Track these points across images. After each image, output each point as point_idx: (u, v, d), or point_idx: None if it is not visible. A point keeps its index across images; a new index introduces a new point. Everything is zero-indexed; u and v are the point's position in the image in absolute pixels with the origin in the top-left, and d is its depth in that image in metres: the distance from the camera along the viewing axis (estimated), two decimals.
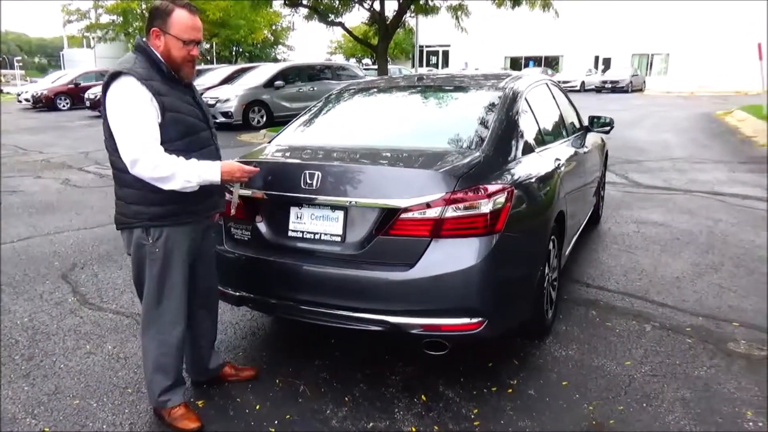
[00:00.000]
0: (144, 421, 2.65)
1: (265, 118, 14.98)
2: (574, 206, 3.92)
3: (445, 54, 44.71)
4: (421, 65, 42.01)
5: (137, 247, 2.46)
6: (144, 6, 33.00)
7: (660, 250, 4.97)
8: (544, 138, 3.72)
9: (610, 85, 32.15)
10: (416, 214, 2.59)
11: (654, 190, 7.34)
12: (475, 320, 2.62)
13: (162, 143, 2.33)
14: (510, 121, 3.27)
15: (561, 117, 4.40)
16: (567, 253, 3.97)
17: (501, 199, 2.67)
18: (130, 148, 2.27)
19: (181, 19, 2.37)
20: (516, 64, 42.38)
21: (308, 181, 2.77)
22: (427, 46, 43.61)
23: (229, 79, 16.65)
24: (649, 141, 11.74)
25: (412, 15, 18.05)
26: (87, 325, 3.65)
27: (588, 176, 4.58)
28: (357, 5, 16.43)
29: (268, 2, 17.49)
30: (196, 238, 2.59)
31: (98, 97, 18.48)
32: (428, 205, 2.57)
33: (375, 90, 4.16)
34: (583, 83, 33.60)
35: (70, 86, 23.34)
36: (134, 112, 2.27)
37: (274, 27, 45.43)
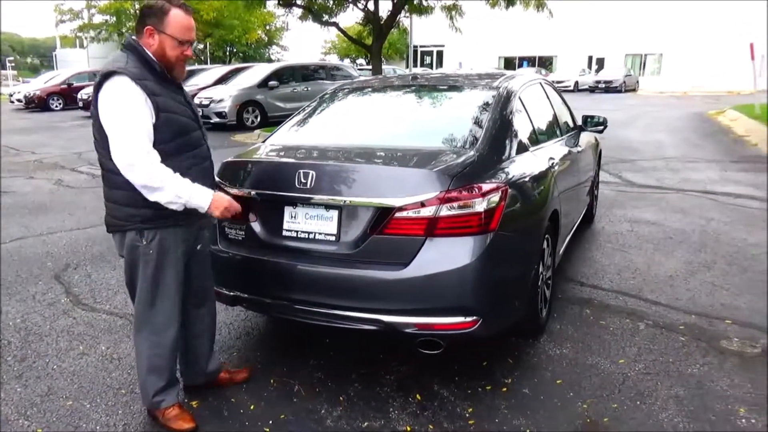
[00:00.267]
0: (138, 422, 2.64)
1: (259, 119, 14.95)
2: (568, 205, 3.93)
3: (440, 54, 44.76)
4: (415, 65, 42.02)
5: (131, 249, 2.44)
6: (137, 6, 32.90)
7: (653, 248, 4.99)
8: (538, 137, 3.73)
9: (603, 85, 32.24)
10: (411, 213, 2.59)
11: (647, 189, 7.37)
12: (469, 319, 2.62)
13: (155, 144, 2.31)
14: (504, 121, 3.27)
15: (555, 116, 4.41)
16: (561, 251, 3.98)
17: (495, 198, 2.68)
18: (126, 152, 2.25)
19: (177, 18, 2.36)
20: (510, 64, 42.46)
21: (302, 180, 2.76)
22: (421, 46, 43.61)
23: (222, 80, 16.62)
24: (643, 140, 11.79)
25: (407, 15, 18.06)
26: (80, 325, 3.63)
27: (582, 175, 4.60)
28: (351, 5, 16.43)
29: (262, 2, 17.48)
30: (190, 238, 2.58)
31: (91, 97, 18.31)
32: (422, 204, 2.57)
33: (369, 89, 4.16)
34: (576, 83, 33.69)
35: (62, 86, 23.25)
36: (129, 114, 2.25)
37: (268, 27, 45.40)
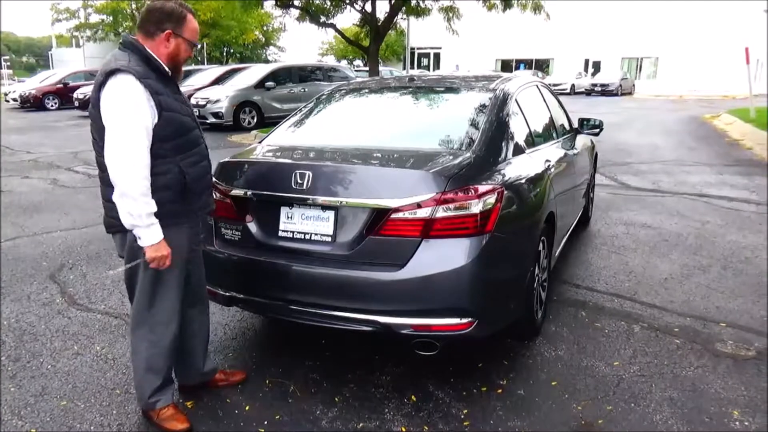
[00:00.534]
0: (132, 422, 2.64)
1: (256, 119, 14.93)
2: (563, 207, 3.94)
3: (437, 56, 44.83)
4: (412, 67, 42.10)
5: (131, 249, 2.44)
6: (134, 6, 32.86)
7: (649, 251, 5.00)
8: (534, 139, 3.74)
9: (599, 89, 32.37)
10: (407, 215, 2.59)
11: (643, 192, 7.39)
12: (464, 320, 2.63)
13: (157, 142, 2.32)
14: (500, 123, 3.28)
15: (551, 119, 4.42)
16: (557, 254, 3.99)
17: (491, 199, 2.68)
18: (119, 154, 2.24)
19: (192, 23, 2.46)
20: (507, 66, 42.55)
21: (299, 180, 2.76)
22: (418, 48, 43.69)
23: (219, 80, 16.59)
24: (638, 143, 11.82)
25: (404, 17, 18.08)
26: (75, 325, 3.62)
27: (578, 178, 4.61)
28: (348, 6, 16.44)
29: (259, 3, 17.46)
30: (189, 238, 2.57)
31: (87, 96, 18.40)
32: (419, 206, 2.58)
33: (366, 91, 4.17)
34: (573, 86, 33.81)
35: (58, 86, 23.14)
36: (131, 115, 2.24)
37: (265, 28, 45.37)
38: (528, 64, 42.24)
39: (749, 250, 4.99)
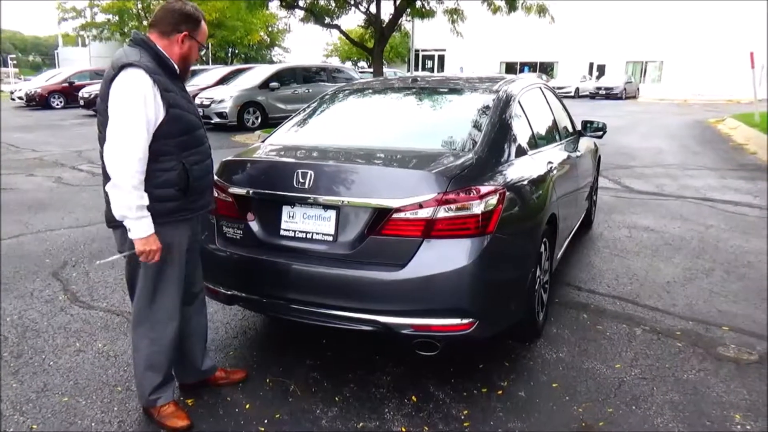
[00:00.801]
0: (133, 419, 2.64)
1: (260, 120, 14.97)
2: (566, 210, 3.94)
3: (441, 58, 44.83)
4: (416, 69, 42.09)
5: (132, 244, 2.44)
6: (140, 6, 32.97)
7: (651, 254, 5.00)
8: (537, 141, 3.73)
9: (604, 92, 32.32)
10: (408, 215, 2.59)
11: (646, 196, 7.38)
12: (465, 321, 2.63)
13: (162, 138, 2.34)
14: (503, 124, 3.28)
15: (554, 121, 4.42)
16: (559, 256, 3.99)
17: (493, 200, 2.68)
18: (120, 147, 2.25)
19: (204, 27, 2.55)
20: (511, 69, 42.50)
21: (300, 180, 2.77)
22: (423, 50, 43.69)
23: (224, 80, 16.63)
24: (642, 147, 11.80)
25: (409, 19, 18.10)
26: (77, 322, 3.63)
27: (580, 180, 4.60)
28: (353, 8, 16.46)
29: (264, 4, 17.49)
30: (190, 234, 2.58)
31: (92, 96, 18.45)
32: (420, 206, 2.58)
33: (369, 91, 4.17)
34: (577, 89, 33.78)
35: (64, 85, 23.22)
36: (138, 109, 2.26)
37: (270, 29, 45.47)
38: (532, 66, 42.20)
39: (752, 254, 4.97)
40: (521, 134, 3.47)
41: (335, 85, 12.80)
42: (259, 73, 16.11)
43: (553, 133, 4.30)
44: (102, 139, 2.38)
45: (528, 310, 3.13)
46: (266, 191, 2.90)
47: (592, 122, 5.17)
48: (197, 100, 14.51)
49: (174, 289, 2.53)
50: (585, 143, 5.09)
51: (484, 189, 2.68)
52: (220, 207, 2.95)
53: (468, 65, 38.31)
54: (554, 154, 3.91)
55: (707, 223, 5.99)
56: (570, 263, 4.69)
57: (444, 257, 2.59)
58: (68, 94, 22.71)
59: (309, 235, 2.81)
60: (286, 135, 3.61)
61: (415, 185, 2.62)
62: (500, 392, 2.86)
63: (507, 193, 2.79)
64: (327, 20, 16.77)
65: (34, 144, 12.29)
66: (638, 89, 35.35)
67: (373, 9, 15.88)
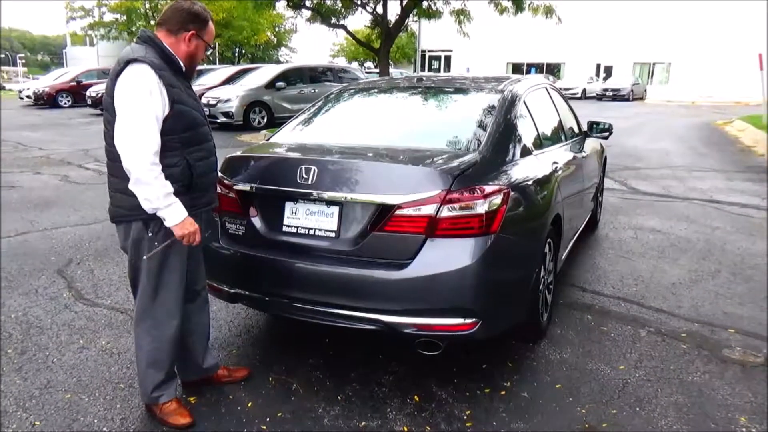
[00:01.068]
0: (135, 416, 2.65)
1: (265, 119, 14.99)
2: (571, 210, 3.92)
3: (447, 59, 44.79)
4: (423, 69, 42.09)
5: (136, 241, 2.45)
6: (148, 5, 33.12)
7: (657, 256, 4.97)
8: (542, 141, 3.72)
9: (611, 93, 32.23)
10: (411, 211, 2.59)
11: (652, 197, 7.34)
12: (468, 321, 2.62)
13: (167, 134, 2.35)
14: (508, 124, 3.27)
15: (560, 121, 4.40)
16: (564, 257, 3.97)
17: (497, 200, 2.67)
18: (132, 139, 2.27)
19: (212, 27, 2.57)
20: (518, 70, 42.41)
21: (304, 175, 2.76)
22: (429, 51, 43.68)
23: (230, 80, 16.67)
24: (649, 149, 11.75)
25: (415, 19, 18.10)
26: (81, 320, 3.64)
27: (586, 181, 4.58)
28: (360, 8, 16.47)
29: (271, 4, 17.54)
30: None
31: (99, 95, 18.53)
32: (424, 202, 2.57)
33: (374, 90, 4.17)
34: (584, 91, 33.68)
35: (71, 84, 23.35)
36: (145, 102, 2.28)
37: (277, 29, 45.58)
38: (539, 68, 42.11)
39: (759, 256, 4.94)
40: (526, 134, 3.46)
41: (341, 85, 12.84)
42: (265, 72, 16.13)
43: (559, 134, 4.28)
44: (109, 136, 2.39)
45: (532, 310, 3.12)
46: (269, 187, 2.90)
47: (598, 123, 5.15)
48: (203, 100, 14.55)
49: (176, 286, 2.54)
50: (591, 144, 5.07)
51: (488, 188, 2.67)
52: (223, 203, 2.96)
53: (474, 66, 38.27)
54: (559, 154, 3.90)
55: (713, 225, 5.95)
56: (575, 264, 4.67)
57: (447, 256, 2.58)
58: (76, 93, 22.84)
59: (311, 232, 2.81)
60: (290, 134, 3.61)
61: (419, 182, 2.62)
62: (503, 393, 2.85)
63: (511, 193, 2.78)
64: (333, 20, 16.81)
65: (42, 142, 12.35)
66: (645, 91, 35.22)
67: (379, 9, 15.90)
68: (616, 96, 31.90)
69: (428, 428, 2.57)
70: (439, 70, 45.01)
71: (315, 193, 2.76)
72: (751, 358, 3.21)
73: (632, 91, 32.43)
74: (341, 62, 46.23)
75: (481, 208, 2.61)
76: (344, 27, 17.14)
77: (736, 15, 33.22)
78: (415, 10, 15.83)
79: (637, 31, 37.03)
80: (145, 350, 2.57)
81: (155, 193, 2.29)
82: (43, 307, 3.83)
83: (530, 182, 3.11)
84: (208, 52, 2.63)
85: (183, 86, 2.46)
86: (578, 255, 4.87)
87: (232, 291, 3.00)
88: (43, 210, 6.45)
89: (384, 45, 15.91)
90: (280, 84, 15.18)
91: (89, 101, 20.13)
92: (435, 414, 2.68)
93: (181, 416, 2.57)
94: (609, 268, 4.66)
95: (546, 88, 4.41)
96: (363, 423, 2.61)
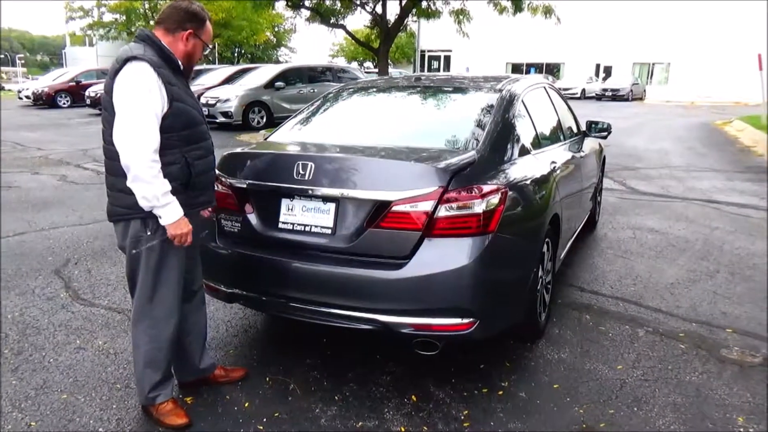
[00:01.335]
0: (131, 417, 2.63)
1: (265, 119, 14.98)
2: (569, 210, 3.91)
3: (447, 59, 44.79)
4: (422, 69, 42.09)
5: (134, 239, 2.44)
6: (147, 6, 33.12)
7: (655, 256, 4.96)
8: (540, 141, 3.71)
9: (610, 93, 32.26)
10: (408, 207, 2.58)
11: (651, 197, 7.34)
12: (466, 321, 2.61)
13: (166, 132, 2.34)
14: (506, 123, 3.26)
15: (558, 121, 4.39)
16: (562, 256, 3.96)
17: (495, 199, 2.66)
18: (131, 137, 2.26)
19: (209, 28, 2.57)
20: (517, 70, 42.40)
21: (301, 171, 2.75)
22: (428, 51, 43.68)
23: (229, 80, 16.66)
24: (648, 149, 11.75)
25: (415, 19, 18.11)
26: (78, 320, 3.63)
27: (585, 181, 4.58)
28: (359, 8, 16.47)
29: (270, 3, 17.54)
30: (193, 229, 2.57)
31: (98, 95, 18.52)
32: (420, 199, 2.56)
33: (373, 90, 4.16)
34: (583, 91, 33.70)
35: (70, 84, 23.34)
36: (144, 99, 2.27)
37: (276, 29, 45.58)
38: (539, 68, 42.11)
39: (757, 256, 4.93)
40: (524, 134, 3.45)
41: (340, 85, 12.81)
42: (264, 72, 16.12)
43: (557, 133, 4.28)
44: (107, 134, 2.38)
45: (530, 310, 3.11)
46: (265, 183, 2.89)
47: (597, 123, 5.14)
48: (202, 99, 14.55)
49: (174, 285, 2.53)
50: (590, 144, 5.06)
51: (486, 188, 2.66)
52: (220, 199, 2.94)
53: (474, 66, 38.27)
54: (558, 154, 3.89)
55: (712, 225, 5.94)
56: (573, 264, 4.66)
57: (444, 256, 2.57)
58: (75, 93, 22.83)
59: (307, 228, 2.79)
60: (288, 133, 3.60)
61: (416, 178, 2.61)
62: (501, 393, 2.84)
63: (509, 193, 2.77)
64: (333, 20, 16.80)
65: (40, 142, 12.34)
66: (645, 91, 35.25)
67: (378, 9, 15.90)
68: (616, 96, 31.92)
69: (425, 428, 2.56)
70: (438, 70, 44.99)
71: (311, 189, 2.74)
72: (749, 358, 3.20)
73: (631, 91, 32.45)
74: (341, 62, 46.19)
75: (479, 207, 2.60)
76: (343, 27, 17.15)
77: (735, 15, 33.22)
78: (414, 10, 15.83)
79: (636, 32, 37.04)
80: (143, 350, 2.56)
81: (153, 191, 2.29)
82: (39, 307, 3.82)
83: (528, 182, 3.11)
84: (206, 52, 2.63)
85: (181, 84, 2.46)
86: (577, 254, 4.87)
87: (229, 291, 2.99)
88: (40, 210, 6.44)
89: (383, 45, 15.92)
90: (279, 84, 15.16)
91: (88, 101, 20.12)
92: (432, 414, 2.67)
93: (178, 417, 2.56)
94: (607, 267, 4.66)
95: (544, 87, 4.41)
96: (360, 423, 2.60)
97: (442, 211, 2.57)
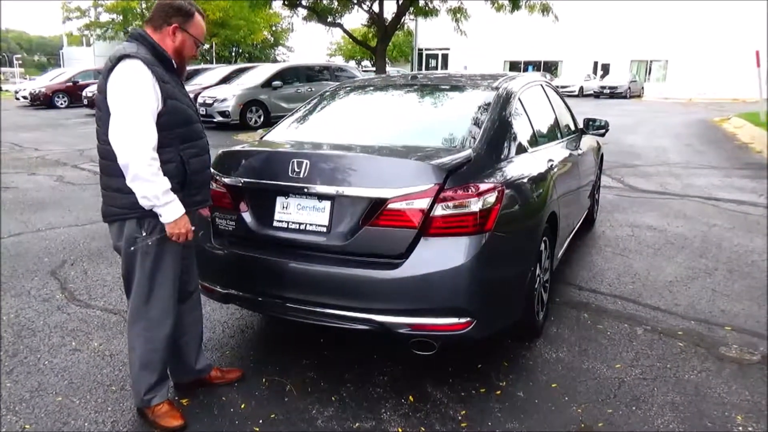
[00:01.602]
0: (127, 419, 2.62)
1: (262, 118, 14.93)
2: (567, 208, 3.89)
3: (444, 57, 44.72)
4: (420, 68, 42.04)
5: (129, 240, 2.42)
6: (144, 5, 33.06)
7: (654, 253, 4.95)
8: (537, 139, 3.69)
9: (608, 91, 32.23)
10: (404, 205, 2.56)
11: (649, 195, 7.33)
12: (463, 320, 2.59)
13: (162, 130, 2.33)
14: (503, 121, 3.24)
15: (555, 118, 4.37)
16: (560, 255, 3.95)
17: (491, 198, 2.65)
18: (128, 135, 2.24)
19: (199, 22, 2.51)
20: (515, 68, 42.34)
21: (296, 169, 2.73)
22: (426, 49, 43.60)
23: (226, 79, 16.61)
24: (646, 146, 11.74)
25: (412, 17, 18.08)
26: (74, 321, 3.61)
27: (582, 178, 4.56)
28: (356, 6, 16.45)
29: (267, 2, 17.51)
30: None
31: (96, 94, 18.36)
32: (416, 196, 2.54)
33: (369, 88, 4.13)
34: (581, 88, 33.69)
35: (68, 84, 23.29)
36: (139, 96, 2.26)
37: (273, 28, 45.51)
38: (536, 65, 42.09)
39: (756, 253, 4.92)
40: (521, 132, 3.43)
41: (336, 84, 12.77)
42: (261, 72, 16.08)
43: (555, 131, 4.26)
44: (101, 134, 2.36)
45: (527, 309, 3.09)
46: (260, 181, 2.87)
47: (594, 120, 5.13)
48: (200, 99, 14.51)
49: (169, 286, 2.51)
50: (587, 141, 5.04)
51: (482, 186, 2.64)
52: (214, 198, 2.92)
53: (472, 64, 38.19)
54: (555, 151, 3.87)
55: (711, 222, 5.93)
56: (571, 262, 4.65)
57: (441, 255, 2.56)
58: (72, 93, 22.78)
59: (302, 227, 2.77)
60: (284, 132, 3.58)
61: (412, 176, 2.59)
62: (499, 392, 2.83)
63: (506, 191, 2.76)
64: (330, 19, 16.77)
65: (37, 143, 12.30)
66: (643, 88, 35.23)
67: (375, 8, 15.87)
68: (614, 93, 31.90)
69: (423, 429, 2.55)
70: (436, 68, 44.94)
71: (307, 187, 2.72)
72: (747, 356, 3.19)
73: (629, 88, 32.43)
74: (338, 61, 46.12)
75: (476, 206, 2.58)
76: (341, 25, 17.13)
77: (732, 12, 33.21)
78: (411, 8, 15.81)
79: (634, 29, 37.00)
80: (139, 352, 2.54)
81: (154, 190, 2.28)
82: (35, 308, 3.80)
83: (525, 180, 3.09)
84: (201, 47, 2.58)
85: (174, 83, 2.44)
86: (575, 253, 4.85)
87: (225, 291, 2.97)
88: (37, 211, 6.42)
89: (381, 43, 15.90)
90: (276, 83, 15.13)
91: (85, 101, 20.05)
92: (430, 414, 2.65)
93: (173, 418, 2.55)
94: (605, 265, 4.64)
95: (541, 85, 4.39)
96: (357, 424, 2.58)
97: (439, 210, 2.56)
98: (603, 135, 5.23)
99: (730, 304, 3.88)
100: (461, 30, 16.76)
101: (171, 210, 2.34)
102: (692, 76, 35.14)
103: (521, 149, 3.30)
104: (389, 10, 16.19)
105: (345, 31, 17.57)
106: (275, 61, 44.38)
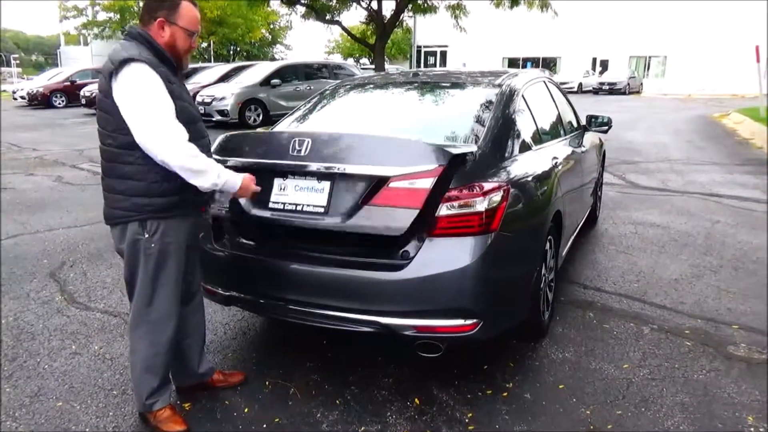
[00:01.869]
0: (129, 424, 2.58)
1: (261, 117, 14.88)
2: (571, 206, 3.86)
3: (443, 54, 44.63)
4: (419, 65, 41.96)
5: (132, 242, 2.38)
6: (141, 4, 33.02)
7: (658, 251, 4.91)
8: (541, 136, 3.65)
9: (607, 87, 32.17)
10: (406, 184, 2.50)
11: (651, 192, 7.29)
12: (469, 322, 2.55)
13: None
14: (507, 119, 3.20)
15: (558, 115, 4.33)
16: (564, 253, 3.91)
17: (497, 197, 2.60)
18: (163, 136, 2.21)
19: (188, 10, 2.39)
20: (514, 65, 42.26)
21: (297, 147, 2.66)
22: (425, 47, 43.50)
23: (225, 77, 16.55)
24: (646, 142, 11.70)
25: (410, 15, 18.03)
26: (74, 324, 3.57)
27: (586, 176, 4.52)
28: (355, 4, 16.39)
29: (265, 0, 17.43)
30: (191, 231, 2.52)
31: (94, 94, 18.40)
32: (420, 176, 2.49)
33: (370, 86, 4.09)
34: (580, 85, 33.64)
35: (65, 84, 23.19)
36: (157, 98, 2.22)
37: (272, 26, 45.42)
38: (535, 62, 41.99)
39: (761, 250, 4.89)
40: (525, 129, 3.39)
41: (337, 81, 12.73)
42: (260, 70, 16.02)
43: (558, 128, 4.22)
44: (104, 136, 2.32)
45: (533, 309, 3.05)
46: (261, 161, 2.80)
47: (597, 117, 5.09)
48: (198, 98, 14.45)
49: (172, 288, 2.47)
50: (590, 138, 5.00)
51: (487, 186, 2.60)
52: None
53: (470, 61, 38.13)
54: (559, 149, 3.83)
55: (714, 219, 5.90)
56: (575, 260, 4.61)
57: (446, 256, 2.51)
58: (70, 93, 22.68)
59: (299, 207, 2.71)
60: (288, 128, 3.54)
61: (416, 156, 2.53)
62: (505, 394, 2.79)
63: (511, 190, 2.71)
64: (328, 17, 16.72)
65: (35, 143, 12.25)
66: (642, 84, 35.18)
67: (374, 5, 15.81)
68: (613, 90, 31.85)
69: None
70: (435, 66, 44.87)
71: (308, 165, 2.65)
72: (756, 354, 3.15)
73: (628, 84, 32.38)
74: (337, 59, 46.02)
75: (481, 205, 2.54)
76: (339, 23, 17.07)
77: (731, 8, 33.15)
78: (410, 6, 15.76)
79: (632, 25, 36.94)
80: (140, 355, 2.50)
81: (209, 179, 2.31)
82: (34, 311, 3.75)
83: (530, 178, 3.05)
84: (193, 36, 2.44)
85: (178, 82, 2.41)
86: (578, 251, 4.82)
87: (227, 293, 2.93)
88: (35, 212, 6.37)
89: (379, 41, 15.85)
90: (275, 81, 15.07)
91: (83, 101, 19.98)
92: (436, 417, 2.61)
93: (176, 423, 2.51)
94: (609, 264, 4.61)
95: (544, 81, 4.35)
96: (362, 428, 2.55)
97: (444, 210, 2.51)
98: (606, 132, 5.20)
99: (736, 302, 3.84)
100: (460, 27, 16.71)
101: (232, 183, 2.40)
102: (691, 71, 35.08)
103: (525, 147, 3.26)
104: (388, 8, 16.16)
105: (343, 28, 17.52)
106: (273, 59, 44.29)
